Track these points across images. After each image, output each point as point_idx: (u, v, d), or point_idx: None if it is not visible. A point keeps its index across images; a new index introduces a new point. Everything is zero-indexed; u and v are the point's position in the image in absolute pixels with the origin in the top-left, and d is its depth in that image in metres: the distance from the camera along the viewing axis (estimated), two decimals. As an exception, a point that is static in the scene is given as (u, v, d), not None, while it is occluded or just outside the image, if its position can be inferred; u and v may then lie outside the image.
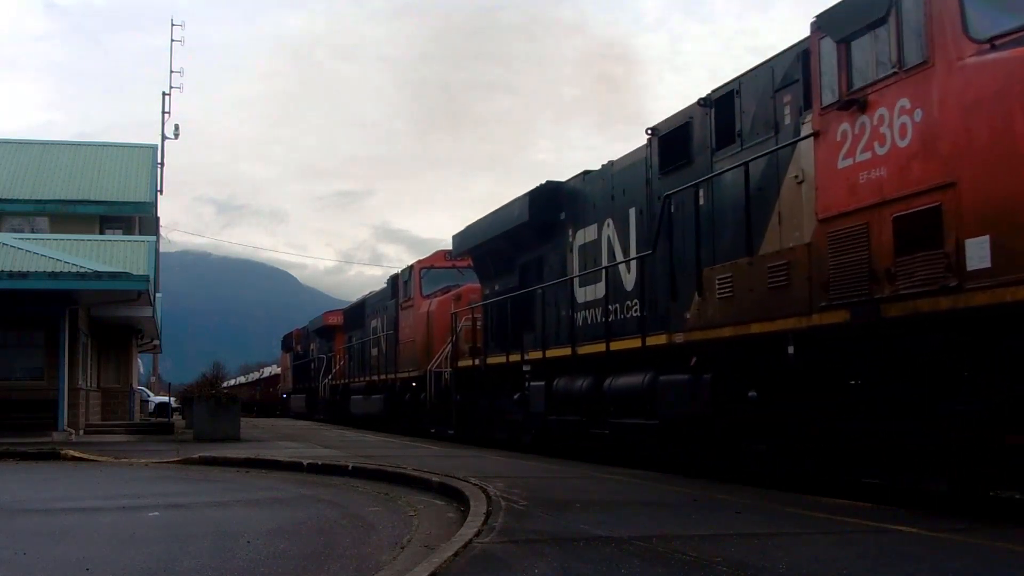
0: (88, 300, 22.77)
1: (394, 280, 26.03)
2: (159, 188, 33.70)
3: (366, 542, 7.04)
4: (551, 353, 14.89)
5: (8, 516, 8.85)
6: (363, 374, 29.70)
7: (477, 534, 6.31)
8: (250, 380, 74.66)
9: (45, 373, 22.00)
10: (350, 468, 12.44)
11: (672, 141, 11.88)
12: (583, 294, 14.21)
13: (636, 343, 12.08)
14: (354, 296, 38.14)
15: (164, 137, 36.86)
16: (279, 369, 57.12)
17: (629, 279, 12.92)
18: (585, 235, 14.38)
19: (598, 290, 13.71)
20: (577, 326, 14.20)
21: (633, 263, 12.77)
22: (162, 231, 35.03)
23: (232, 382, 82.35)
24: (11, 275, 19.40)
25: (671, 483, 10.10)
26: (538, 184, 15.95)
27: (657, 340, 11.55)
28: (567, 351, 14.21)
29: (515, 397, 16.21)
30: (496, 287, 18.14)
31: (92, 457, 15.87)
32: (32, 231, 29.11)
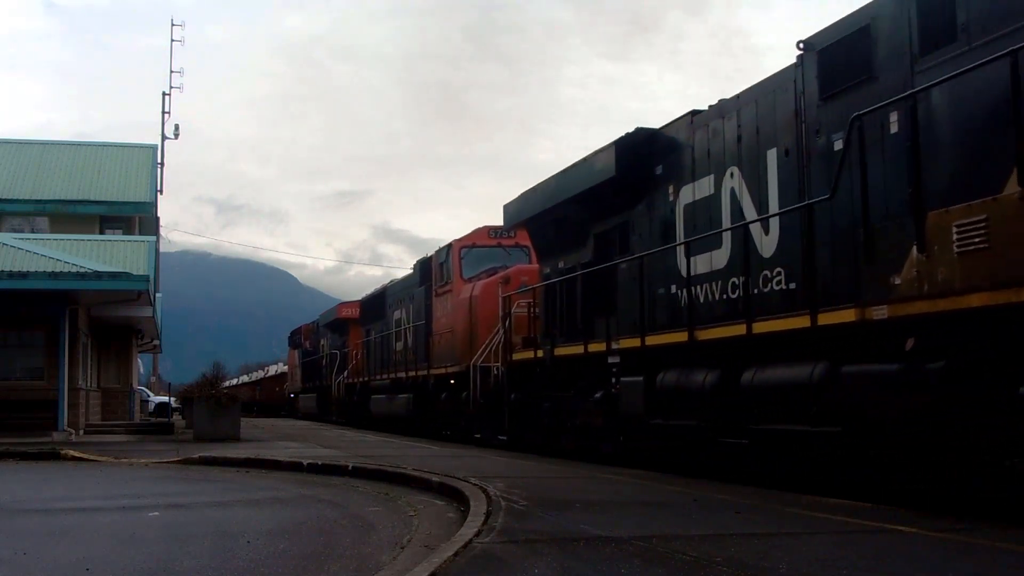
0: (88, 300, 22.78)
1: (425, 264, 23.11)
2: (159, 188, 33.75)
3: (366, 542, 7.04)
4: (655, 340, 11.70)
5: (8, 516, 8.85)
6: (385, 371, 26.77)
7: (477, 534, 6.30)
8: (253, 379, 72.55)
9: (45, 373, 22.02)
10: (350, 468, 12.44)
11: (840, 54, 9.03)
12: (693, 265, 11.25)
13: (799, 322, 9.04)
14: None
15: (164, 137, 36.95)
16: (286, 367, 54.36)
17: (768, 242, 10.06)
18: (694, 191, 11.55)
19: (716, 259, 10.92)
20: (683, 306, 11.40)
21: (774, 222, 9.93)
22: (162, 231, 35.09)
23: (234, 381, 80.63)
24: (11, 275, 19.42)
25: (671, 483, 10.09)
26: (626, 132, 12.90)
27: (839, 317, 8.50)
28: (680, 337, 11.10)
29: (596, 396, 13.09)
30: (561, 264, 15.07)
31: (92, 457, 15.87)
32: (32, 231, 29.14)
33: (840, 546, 6.01)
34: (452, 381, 20.10)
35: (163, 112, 37.87)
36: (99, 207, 30.82)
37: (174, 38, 39.04)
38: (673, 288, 11.80)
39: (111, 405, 30.62)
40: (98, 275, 20.30)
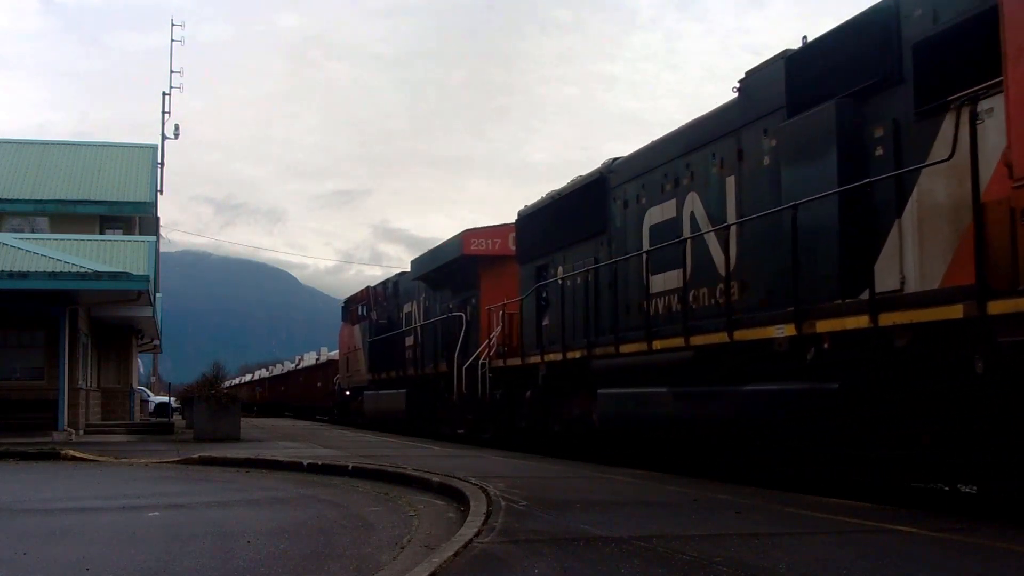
0: (88, 300, 22.80)
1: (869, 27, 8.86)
2: (159, 188, 33.76)
3: (366, 542, 7.04)
4: None
5: (8, 516, 8.85)
6: (646, 333, 12.24)
7: (477, 534, 6.30)
8: (274, 375, 59.88)
9: (45, 373, 22.04)
10: (350, 468, 12.44)
11: None
12: None
13: None
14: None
15: (164, 137, 36.93)
16: (333, 353, 39.01)
17: None
18: None
19: None
20: None
21: None
22: (162, 231, 35.08)
23: (247, 378, 73.89)
24: (11, 275, 19.42)
25: (671, 483, 10.08)
26: None
27: None
28: None
29: None
30: None
31: (92, 457, 15.86)
32: (32, 231, 29.16)
33: (840, 546, 6.01)
34: None
35: (163, 112, 37.88)
36: (99, 207, 30.84)
37: (174, 38, 39.05)
38: None
39: (111, 405, 30.65)
40: (98, 275, 20.30)
